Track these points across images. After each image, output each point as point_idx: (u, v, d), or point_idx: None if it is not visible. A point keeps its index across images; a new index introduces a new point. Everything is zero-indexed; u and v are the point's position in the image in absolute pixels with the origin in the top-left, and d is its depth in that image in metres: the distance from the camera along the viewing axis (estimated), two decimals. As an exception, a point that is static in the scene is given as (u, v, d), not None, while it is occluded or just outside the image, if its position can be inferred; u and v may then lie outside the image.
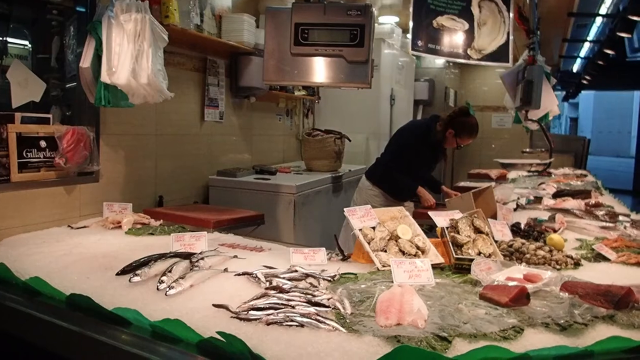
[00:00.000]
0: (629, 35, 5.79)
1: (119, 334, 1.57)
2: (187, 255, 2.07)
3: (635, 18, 4.78)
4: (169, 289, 1.74)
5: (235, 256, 2.21)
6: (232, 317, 1.55)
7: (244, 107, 4.83)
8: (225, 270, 1.99)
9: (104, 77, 2.68)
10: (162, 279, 1.81)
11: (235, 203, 4.02)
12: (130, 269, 1.93)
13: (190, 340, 1.47)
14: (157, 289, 1.77)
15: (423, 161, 4.07)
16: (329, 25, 2.41)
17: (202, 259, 2.04)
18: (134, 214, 2.90)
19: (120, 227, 2.73)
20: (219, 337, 1.40)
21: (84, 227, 2.78)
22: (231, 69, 4.53)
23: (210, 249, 2.24)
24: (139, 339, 1.54)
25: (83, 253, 2.25)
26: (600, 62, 7.71)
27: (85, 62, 2.77)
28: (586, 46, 10.08)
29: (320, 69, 2.43)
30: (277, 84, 4.72)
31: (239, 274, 1.92)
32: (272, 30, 2.49)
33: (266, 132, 5.32)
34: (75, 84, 2.99)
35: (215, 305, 1.63)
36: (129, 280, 1.84)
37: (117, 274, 1.93)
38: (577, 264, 2.19)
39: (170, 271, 1.86)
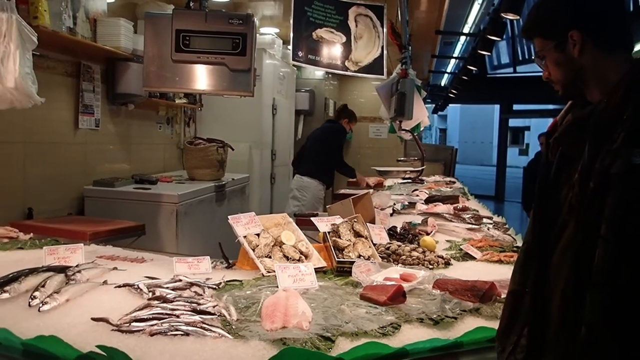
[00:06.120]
0: (489, 54, 6.31)
1: (-14, 356, 1.46)
2: (61, 269, 1.95)
3: (493, 38, 5.23)
4: (43, 304, 1.64)
5: (115, 268, 2.12)
6: (113, 330, 1.49)
7: (121, 115, 4.65)
8: (105, 282, 1.91)
9: (-35, 80, 2.46)
10: (34, 294, 1.69)
11: (113, 214, 3.82)
12: (-3, 286, 1.79)
13: (67, 356, 1.39)
14: (29, 305, 1.65)
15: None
16: (211, 32, 2.40)
17: (78, 272, 1.93)
18: (-1, 227, 2.69)
19: (-17, 242, 2.52)
20: (99, 351, 1.35)
21: (-60, 243, 2.53)
22: (108, 74, 4.34)
23: (88, 261, 2.13)
24: (10, 359, 1.44)
25: (-60, 271, 2.04)
26: (465, 77, 8.27)
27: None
28: (452, 62, 10.87)
29: (202, 77, 2.41)
30: (157, 91, 4.59)
31: (119, 286, 1.85)
32: (151, 36, 2.44)
33: (146, 141, 5.15)
34: None
35: (94, 319, 1.55)
36: (-4, 298, 1.71)
37: (-18, 292, 1.78)
38: (447, 263, 2.35)
39: (43, 286, 1.75)
